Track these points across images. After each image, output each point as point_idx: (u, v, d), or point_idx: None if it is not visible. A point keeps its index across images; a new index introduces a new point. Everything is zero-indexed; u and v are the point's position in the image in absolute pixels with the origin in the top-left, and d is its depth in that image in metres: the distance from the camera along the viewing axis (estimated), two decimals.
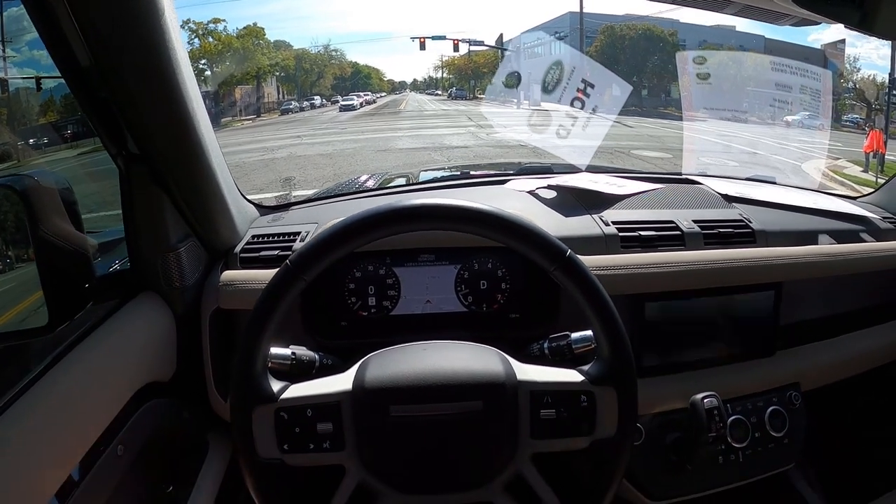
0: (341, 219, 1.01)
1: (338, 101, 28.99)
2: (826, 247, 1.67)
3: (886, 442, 1.93)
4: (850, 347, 1.72)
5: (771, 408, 1.57)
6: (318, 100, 29.83)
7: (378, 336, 1.38)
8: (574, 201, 1.68)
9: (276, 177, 10.98)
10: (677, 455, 1.48)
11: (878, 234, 1.81)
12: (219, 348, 1.44)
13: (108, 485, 1.09)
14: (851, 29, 0.99)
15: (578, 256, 1.03)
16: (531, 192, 1.73)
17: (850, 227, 1.80)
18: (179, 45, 1.09)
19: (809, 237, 1.70)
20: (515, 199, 1.71)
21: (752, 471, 1.56)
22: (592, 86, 2.09)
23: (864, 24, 0.94)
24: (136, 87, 1.09)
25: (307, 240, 1.41)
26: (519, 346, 1.30)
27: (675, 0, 1.15)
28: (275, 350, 1.13)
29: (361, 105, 28.54)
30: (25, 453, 0.91)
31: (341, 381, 1.05)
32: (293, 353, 1.19)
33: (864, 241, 1.77)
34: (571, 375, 1.06)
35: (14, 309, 1.29)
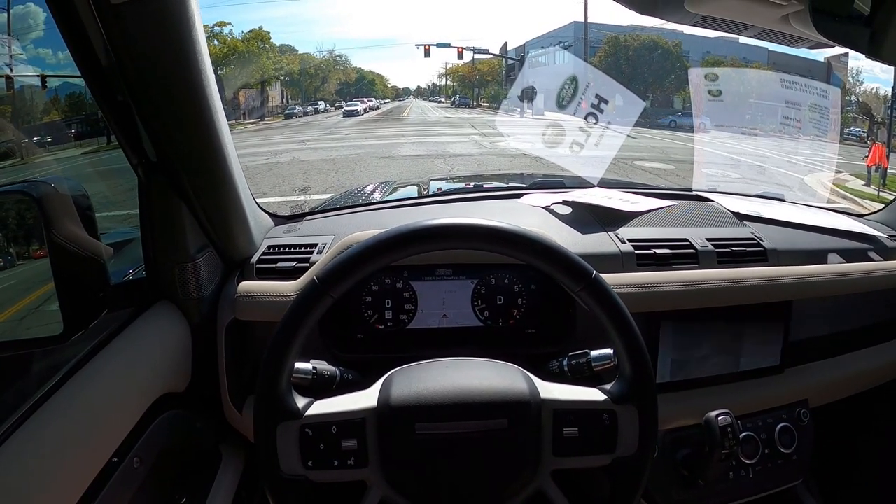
0: (367, 233, 1.02)
1: (342, 107, 29.10)
2: (835, 266, 1.68)
3: (892, 458, 1.94)
4: (858, 365, 1.72)
5: (780, 424, 1.58)
6: (322, 105, 29.95)
7: (394, 350, 1.39)
8: (589, 217, 1.69)
9: (280, 180, 11.00)
10: (689, 470, 1.48)
11: (886, 253, 1.81)
12: (234, 359, 1.44)
13: (124, 498, 1.09)
14: (864, 55, 1.01)
15: (603, 277, 1.05)
16: (546, 208, 1.74)
17: (858, 246, 1.80)
18: (206, 54, 1.09)
19: (819, 256, 1.71)
20: (532, 215, 1.71)
21: (761, 486, 1.57)
22: (606, 101, 2.10)
23: (873, 50, 0.96)
24: (161, 94, 1.09)
25: (333, 255, 1.42)
26: (534, 362, 1.31)
27: (697, 23, 1.16)
28: (296, 364, 1.12)
29: (365, 111, 28.65)
30: (44, 467, 0.91)
31: (366, 398, 1.05)
32: (314, 368, 1.19)
33: (872, 260, 1.77)
34: (594, 394, 1.07)
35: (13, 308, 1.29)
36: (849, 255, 1.75)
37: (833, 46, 1.18)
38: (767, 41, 1.30)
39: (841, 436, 1.95)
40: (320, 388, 1.18)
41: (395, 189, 2.41)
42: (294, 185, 10.54)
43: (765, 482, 1.57)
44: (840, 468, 2.00)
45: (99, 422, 1.04)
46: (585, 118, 2.15)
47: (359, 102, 29.61)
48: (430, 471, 1.03)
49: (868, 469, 1.98)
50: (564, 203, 1.76)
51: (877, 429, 1.98)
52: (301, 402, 1.04)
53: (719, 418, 1.28)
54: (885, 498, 1.82)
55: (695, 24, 1.19)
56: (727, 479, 1.52)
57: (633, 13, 1.15)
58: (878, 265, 1.73)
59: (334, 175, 11.70)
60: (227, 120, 1.26)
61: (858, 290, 1.67)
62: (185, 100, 1.10)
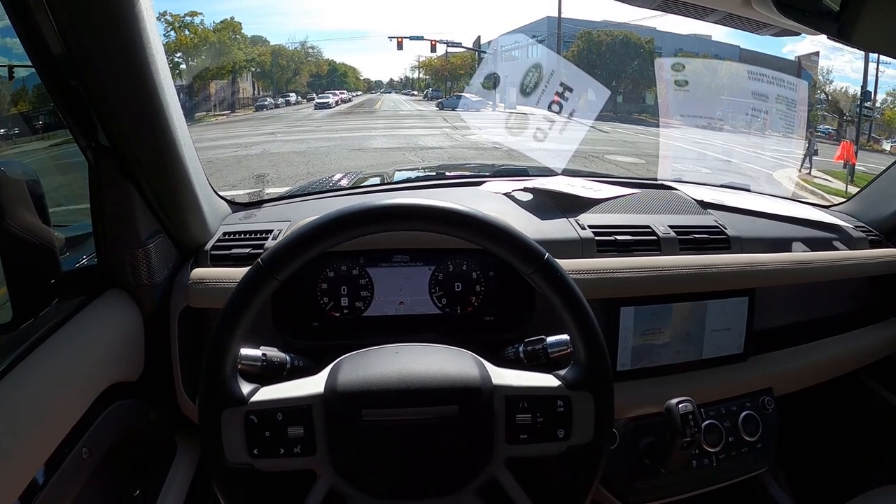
0: (314, 217, 0.99)
1: (313, 99, 29.04)
2: (799, 254, 1.69)
3: (855, 445, 1.96)
4: (821, 353, 1.74)
5: (744, 412, 1.59)
6: (293, 97, 29.90)
7: (350, 337, 1.36)
8: (550, 204, 1.68)
9: (249, 173, 10.95)
10: (651, 459, 1.48)
11: (850, 243, 1.83)
12: (187, 348, 1.41)
13: (73, 488, 1.06)
14: (832, 39, 0.99)
15: (556, 260, 1.02)
16: (507, 195, 1.73)
17: (822, 236, 1.82)
18: (155, 35, 1.06)
19: (783, 244, 1.72)
20: (491, 201, 1.70)
21: (725, 475, 1.58)
22: (571, 90, 2.09)
23: (843, 34, 0.94)
24: (108, 77, 1.05)
25: (279, 238, 1.39)
26: (493, 349, 1.29)
27: (658, 7, 1.14)
28: (245, 351, 1.10)
29: (337, 103, 28.60)
30: None
31: (313, 384, 1.02)
32: (263, 355, 1.16)
33: (837, 249, 1.79)
34: (548, 380, 1.05)
35: None
36: (813, 245, 1.76)
37: (799, 33, 1.17)
38: (731, 27, 1.28)
39: (806, 423, 1.97)
40: (270, 375, 1.15)
41: (360, 179, 2.38)
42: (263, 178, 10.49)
43: (729, 470, 1.58)
44: (805, 456, 2.02)
45: (45, 410, 1.01)
46: (549, 107, 2.14)
47: (330, 95, 29.62)
48: (379, 458, 1.00)
49: (832, 457, 2.01)
50: (526, 190, 1.75)
51: (840, 417, 2.00)
52: (247, 388, 1.01)
53: (680, 406, 1.28)
54: (850, 485, 1.83)
55: (656, 9, 1.17)
56: (690, 468, 1.52)
57: (605, 7, 1.13)
58: (842, 254, 1.75)
59: (304, 168, 11.66)
60: (197, 111, 1.23)
61: (822, 278, 1.69)
62: (134, 82, 1.07)
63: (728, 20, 1.20)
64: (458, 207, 0.99)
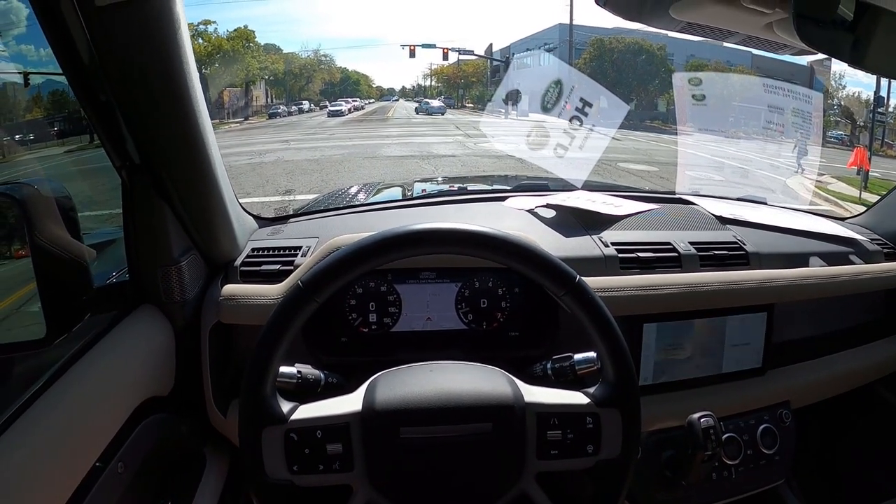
0: (351, 237, 1.01)
1: (326, 107, 29.08)
2: (817, 269, 1.69)
3: (871, 457, 1.96)
4: (838, 366, 1.74)
5: (763, 425, 1.60)
6: (306, 104, 29.96)
7: (378, 353, 1.38)
8: (573, 221, 1.69)
9: (264, 181, 10.95)
10: (672, 472, 1.49)
11: (866, 256, 1.84)
12: (218, 363, 1.42)
13: (110, 503, 1.08)
14: (846, 63, 1.02)
15: (587, 281, 1.05)
16: (530, 211, 1.74)
17: (839, 250, 1.83)
18: (191, 57, 1.08)
19: (801, 259, 1.73)
20: (516, 219, 1.72)
21: (743, 487, 1.58)
22: (590, 104, 2.11)
23: (855, 58, 0.97)
24: (146, 98, 1.07)
25: (318, 258, 1.41)
26: (518, 364, 1.31)
27: (681, 29, 1.16)
28: (281, 368, 1.11)
29: (350, 111, 28.68)
30: (27, 474, 0.89)
31: (350, 402, 1.04)
32: (299, 372, 1.18)
33: (853, 263, 1.79)
34: (577, 398, 1.07)
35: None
36: (830, 259, 1.76)
37: (816, 53, 1.19)
38: (751, 48, 1.31)
39: (822, 436, 1.98)
40: (305, 391, 1.18)
41: (379, 190, 2.39)
42: (278, 186, 10.50)
43: (747, 483, 1.59)
44: (821, 468, 2.02)
45: (83, 427, 1.02)
46: (570, 121, 2.16)
47: (343, 102, 29.71)
48: (415, 475, 1.02)
49: (849, 469, 2.01)
50: (548, 206, 1.76)
51: (857, 429, 2.00)
52: (286, 406, 1.02)
53: (702, 420, 1.29)
54: (865, 497, 1.84)
55: (679, 31, 1.19)
56: (710, 480, 1.53)
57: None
58: (859, 268, 1.76)
59: (318, 175, 11.67)
60: (211, 119, 1.24)
61: (840, 293, 1.69)
62: (170, 102, 1.09)
63: (749, 41, 1.22)
64: (490, 231, 1.02)
